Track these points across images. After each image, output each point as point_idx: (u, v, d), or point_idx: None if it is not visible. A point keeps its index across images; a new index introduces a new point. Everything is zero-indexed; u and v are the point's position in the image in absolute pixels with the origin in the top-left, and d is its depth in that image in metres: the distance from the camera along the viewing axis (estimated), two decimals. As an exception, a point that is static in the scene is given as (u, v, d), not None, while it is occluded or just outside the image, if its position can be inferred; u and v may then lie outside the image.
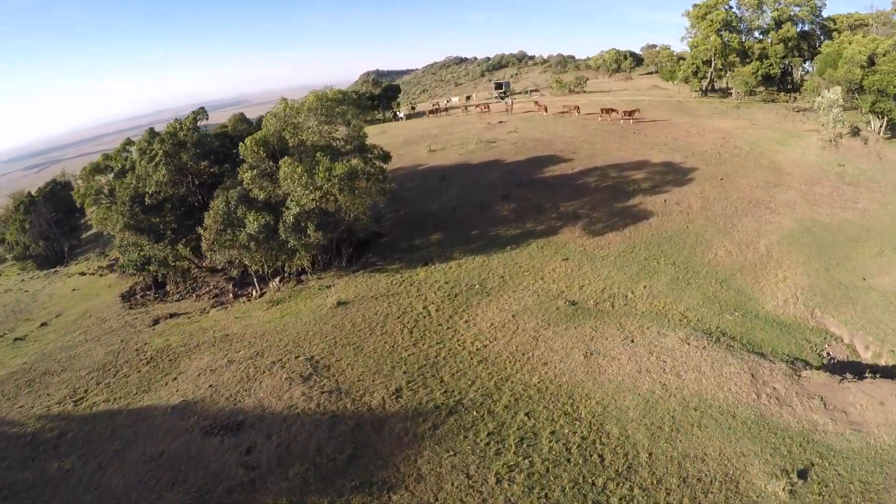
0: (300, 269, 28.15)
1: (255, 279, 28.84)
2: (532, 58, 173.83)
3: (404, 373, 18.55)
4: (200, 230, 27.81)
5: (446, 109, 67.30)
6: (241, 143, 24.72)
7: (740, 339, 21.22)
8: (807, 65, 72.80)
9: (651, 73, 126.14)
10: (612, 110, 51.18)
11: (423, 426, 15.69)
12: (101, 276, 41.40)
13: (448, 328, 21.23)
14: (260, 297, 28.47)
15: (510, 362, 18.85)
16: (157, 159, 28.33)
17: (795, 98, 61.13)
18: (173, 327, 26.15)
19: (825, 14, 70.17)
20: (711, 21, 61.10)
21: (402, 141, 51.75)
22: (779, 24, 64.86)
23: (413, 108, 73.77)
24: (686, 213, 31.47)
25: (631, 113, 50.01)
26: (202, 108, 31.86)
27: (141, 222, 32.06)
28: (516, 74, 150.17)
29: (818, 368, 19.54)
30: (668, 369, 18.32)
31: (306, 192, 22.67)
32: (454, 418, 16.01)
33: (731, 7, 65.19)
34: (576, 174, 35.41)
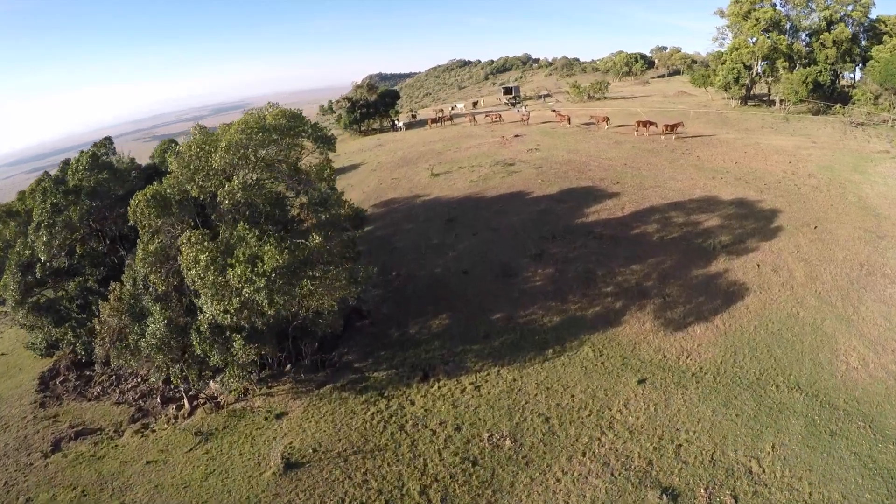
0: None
1: (182, 389, 18.76)
2: (537, 60, 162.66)
3: None
4: (96, 324, 17.83)
5: (451, 118, 56.60)
6: (131, 201, 14.44)
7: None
8: (849, 72, 62.04)
9: (663, 76, 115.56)
10: (651, 123, 40.58)
11: None
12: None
13: (464, 560, 11.14)
14: (191, 412, 18.49)
15: None
16: (40, 219, 18.18)
17: (851, 109, 50.38)
18: (71, 464, 17.30)
19: (870, 15, 59.19)
20: (757, 20, 50.22)
21: (400, 159, 41.30)
22: (829, 24, 53.95)
23: (414, 116, 62.99)
24: (789, 287, 21.15)
25: (673, 127, 39.46)
26: (107, 139, 21.58)
27: (39, 298, 22.13)
28: (521, 77, 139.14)
29: None
30: None
31: (216, 299, 12.53)
32: None
33: (775, 5, 54.31)
34: (628, 218, 24.99)
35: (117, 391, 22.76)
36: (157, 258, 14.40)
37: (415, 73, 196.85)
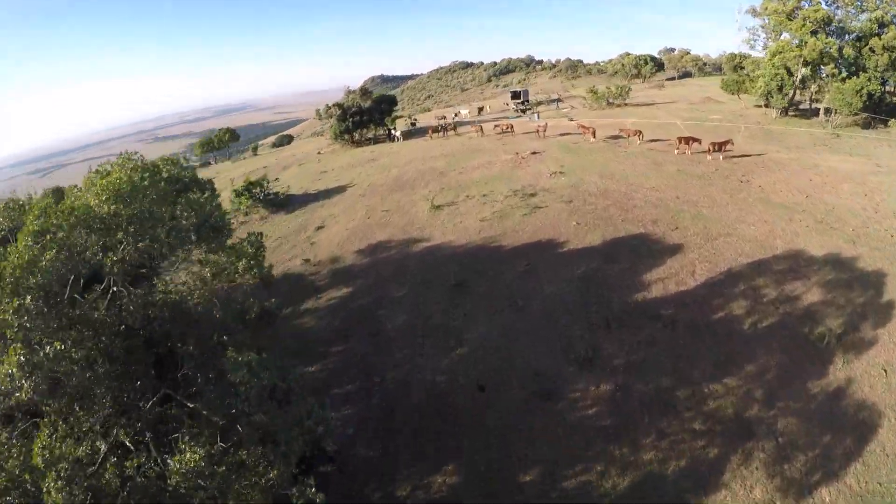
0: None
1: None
2: (540, 62, 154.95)
3: None
4: None
5: (454, 127, 49.20)
6: None
7: None
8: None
9: (672, 78, 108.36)
10: (694, 140, 33.37)
11: None
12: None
13: None
14: None
15: None
16: None
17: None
18: None
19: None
20: (805, 19, 42.82)
21: (394, 180, 34.07)
22: (881, 26, 46.54)
23: (413, 124, 55.50)
24: (943, 408, 14.13)
25: (721, 145, 32.30)
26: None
27: None
28: (524, 79, 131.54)
29: None
30: None
31: None
32: None
33: (820, 2, 46.88)
34: (703, 290, 17.75)
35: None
36: None
37: (417, 75, 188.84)
